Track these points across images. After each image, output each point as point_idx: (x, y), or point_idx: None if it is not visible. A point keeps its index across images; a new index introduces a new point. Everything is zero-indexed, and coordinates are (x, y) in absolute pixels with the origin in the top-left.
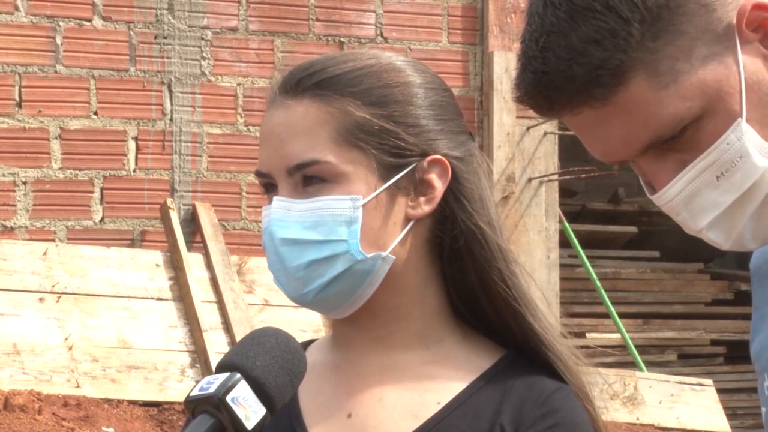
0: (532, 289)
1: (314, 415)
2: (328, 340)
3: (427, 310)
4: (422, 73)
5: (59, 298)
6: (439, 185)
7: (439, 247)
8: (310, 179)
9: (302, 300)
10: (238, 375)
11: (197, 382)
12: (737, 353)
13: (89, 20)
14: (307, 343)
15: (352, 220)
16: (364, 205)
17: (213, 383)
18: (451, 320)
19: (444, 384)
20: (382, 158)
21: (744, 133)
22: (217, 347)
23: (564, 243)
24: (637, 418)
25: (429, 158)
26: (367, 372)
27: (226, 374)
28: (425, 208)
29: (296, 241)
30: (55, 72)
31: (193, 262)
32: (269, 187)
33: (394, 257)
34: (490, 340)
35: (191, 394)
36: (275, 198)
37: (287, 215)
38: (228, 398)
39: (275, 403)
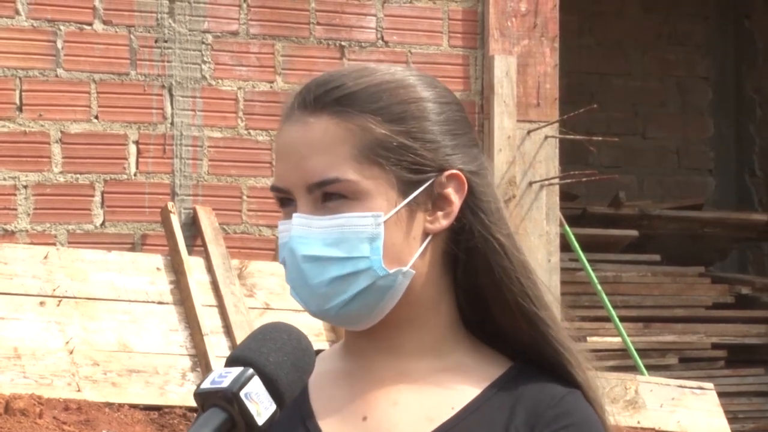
0: (549, 298)
1: (329, 419)
2: (339, 349)
3: (440, 321)
4: (435, 88)
5: (60, 301)
6: (456, 200)
7: (453, 259)
8: (330, 195)
9: (324, 315)
10: (251, 370)
11: (207, 375)
12: (738, 357)
13: (90, 24)
14: (315, 353)
15: (374, 236)
16: (385, 222)
17: (226, 377)
18: (462, 331)
19: (457, 391)
20: (401, 174)
21: None
22: (218, 351)
23: (565, 246)
24: (638, 422)
25: (446, 173)
26: (380, 378)
27: (239, 369)
28: (443, 222)
29: (318, 258)
30: (56, 76)
31: (193, 265)
32: (284, 201)
33: (414, 272)
34: (497, 352)
35: (203, 386)
36: (295, 215)
37: (308, 232)
38: (242, 393)
39: (285, 399)
